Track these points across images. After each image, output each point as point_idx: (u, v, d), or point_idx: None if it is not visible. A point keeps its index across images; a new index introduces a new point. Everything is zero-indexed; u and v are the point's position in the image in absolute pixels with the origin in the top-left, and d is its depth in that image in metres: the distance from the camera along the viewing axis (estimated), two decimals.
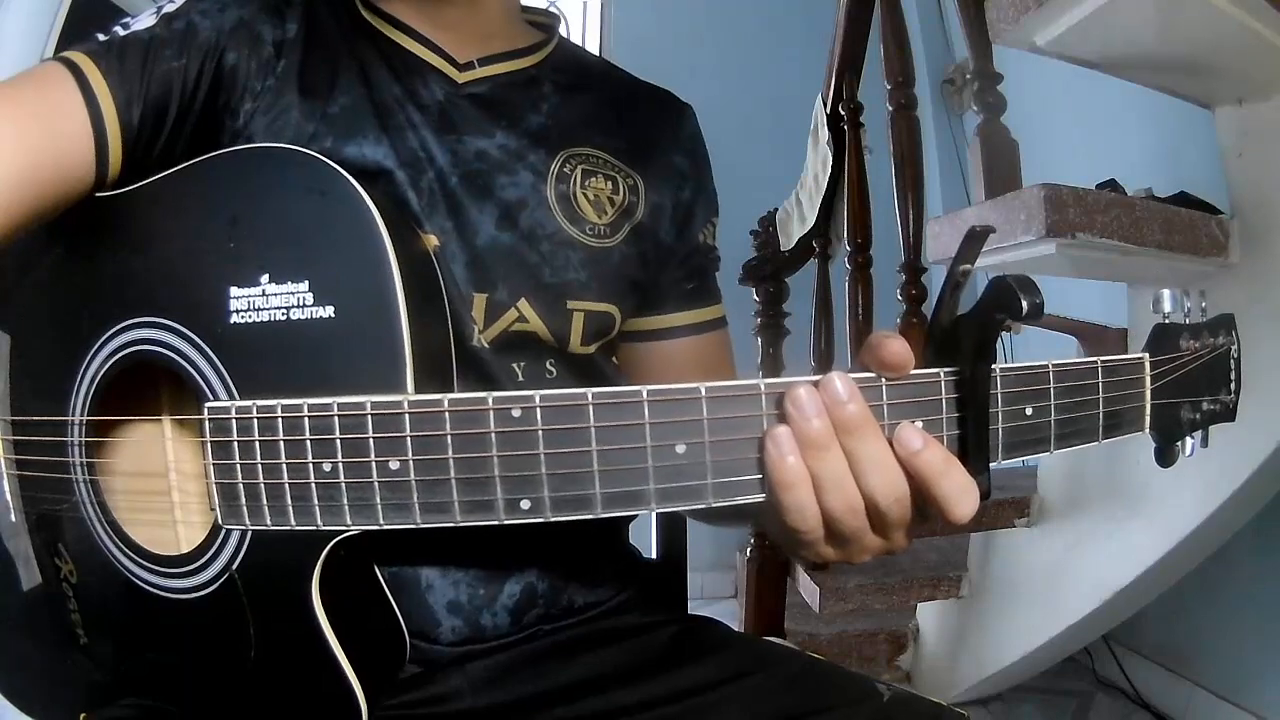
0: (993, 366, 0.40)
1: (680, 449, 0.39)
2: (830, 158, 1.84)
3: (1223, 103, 1.26)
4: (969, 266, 0.40)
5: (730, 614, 2.27)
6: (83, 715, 0.57)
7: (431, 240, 0.57)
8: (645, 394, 0.39)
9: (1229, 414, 0.49)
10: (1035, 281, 0.38)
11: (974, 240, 0.40)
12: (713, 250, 0.71)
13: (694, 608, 0.72)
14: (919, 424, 0.39)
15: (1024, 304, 0.37)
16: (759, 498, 0.40)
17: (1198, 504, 1.26)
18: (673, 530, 0.86)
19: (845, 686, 0.58)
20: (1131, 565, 1.38)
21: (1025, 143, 1.49)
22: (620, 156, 0.64)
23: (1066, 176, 1.18)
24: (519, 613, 0.60)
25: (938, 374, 0.40)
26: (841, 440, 0.38)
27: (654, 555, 0.85)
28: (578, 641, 0.62)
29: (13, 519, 0.57)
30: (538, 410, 0.39)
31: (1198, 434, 0.48)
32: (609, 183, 0.63)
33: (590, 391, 0.39)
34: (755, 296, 1.88)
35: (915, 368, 0.40)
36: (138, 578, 0.52)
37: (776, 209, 2.06)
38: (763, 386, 0.39)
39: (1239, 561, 1.56)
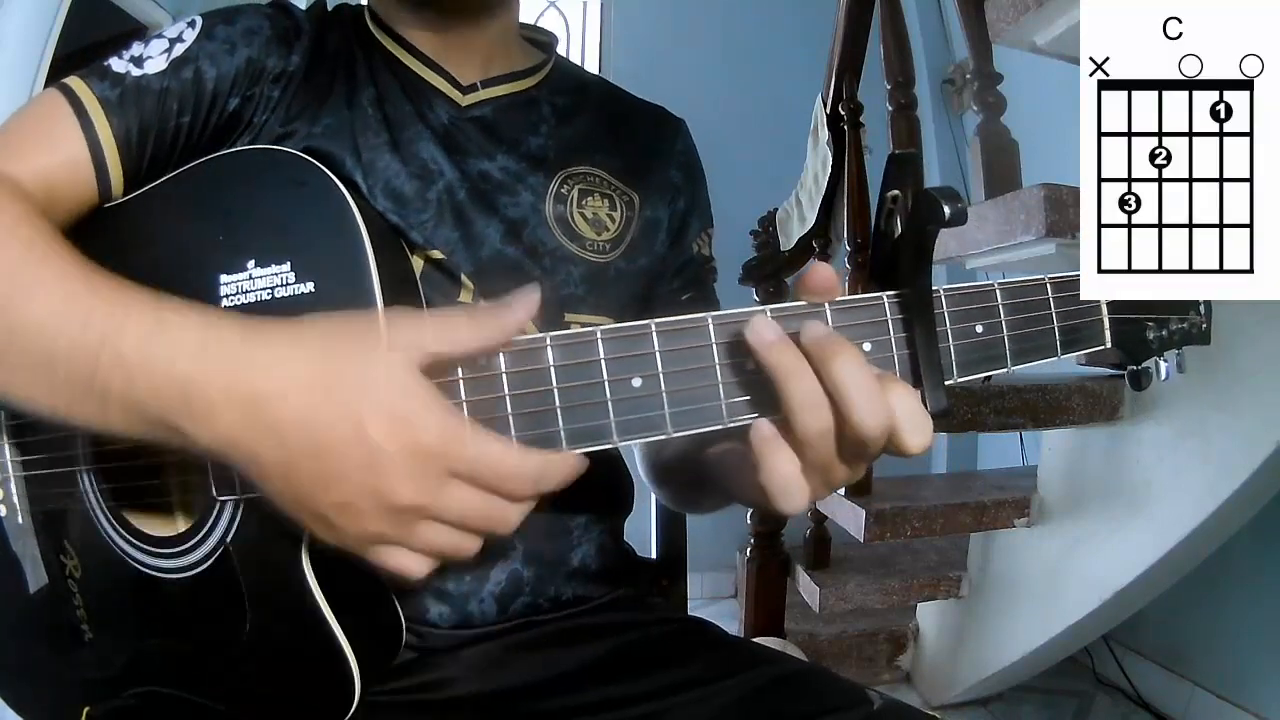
0: (937, 287, 0.42)
1: (636, 382, 0.41)
2: (830, 158, 1.84)
3: None
4: (897, 192, 0.41)
5: (730, 614, 2.27)
6: (86, 710, 0.58)
7: (436, 255, 0.59)
8: (599, 333, 0.41)
9: (1202, 336, 0.49)
10: (957, 190, 0.39)
11: (900, 165, 0.42)
12: (709, 261, 0.73)
13: (694, 608, 0.72)
14: (868, 346, 0.42)
15: (946, 210, 0.39)
16: (717, 426, 0.42)
17: (1198, 504, 1.26)
18: (672, 530, 0.86)
19: (835, 692, 0.58)
20: (1131, 565, 1.38)
21: (1025, 143, 1.49)
22: (617, 175, 0.67)
23: (1066, 176, 1.18)
24: (505, 601, 0.61)
25: (880, 296, 0.42)
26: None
27: (654, 554, 0.86)
28: (569, 633, 0.63)
29: (20, 521, 0.58)
30: (500, 355, 0.41)
31: (1170, 357, 0.48)
32: (605, 201, 0.65)
33: (549, 335, 0.41)
34: (755, 296, 1.88)
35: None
36: (138, 562, 0.53)
37: (776, 209, 2.06)
38: (710, 320, 0.41)
39: (1239, 561, 1.56)
